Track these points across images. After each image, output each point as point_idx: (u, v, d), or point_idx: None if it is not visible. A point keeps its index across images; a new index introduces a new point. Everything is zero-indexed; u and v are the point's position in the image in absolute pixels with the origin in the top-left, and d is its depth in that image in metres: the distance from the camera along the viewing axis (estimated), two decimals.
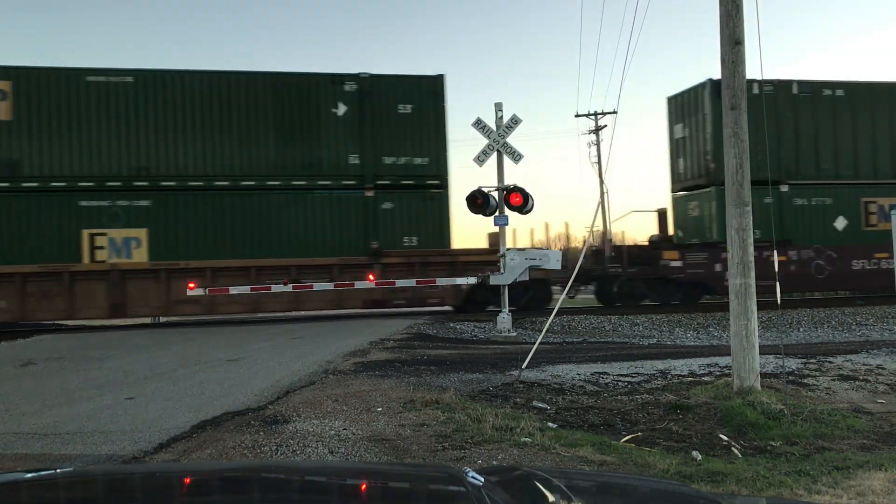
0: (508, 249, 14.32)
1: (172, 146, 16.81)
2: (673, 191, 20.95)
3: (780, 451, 5.58)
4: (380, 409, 6.35)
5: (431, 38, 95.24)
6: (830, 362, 9.20)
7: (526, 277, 14.51)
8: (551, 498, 1.80)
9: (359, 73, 17.62)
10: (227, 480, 2.06)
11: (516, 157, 14.50)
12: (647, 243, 20.35)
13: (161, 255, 16.53)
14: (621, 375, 8.39)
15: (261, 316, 18.37)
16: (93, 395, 7.75)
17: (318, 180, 17.31)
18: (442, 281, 16.02)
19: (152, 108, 16.78)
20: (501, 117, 14.45)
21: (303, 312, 17.97)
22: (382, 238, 17.30)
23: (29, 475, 1.98)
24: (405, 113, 17.67)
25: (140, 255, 16.55)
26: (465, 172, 45.79)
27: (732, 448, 5.64)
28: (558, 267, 14.27)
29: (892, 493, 4.31)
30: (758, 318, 7.19)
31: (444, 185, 17.87)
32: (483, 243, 18.81)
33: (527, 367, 8.33)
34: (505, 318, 14.27)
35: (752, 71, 7.35)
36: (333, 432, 5.53)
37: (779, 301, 7.76)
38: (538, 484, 1.91)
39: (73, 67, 16.76)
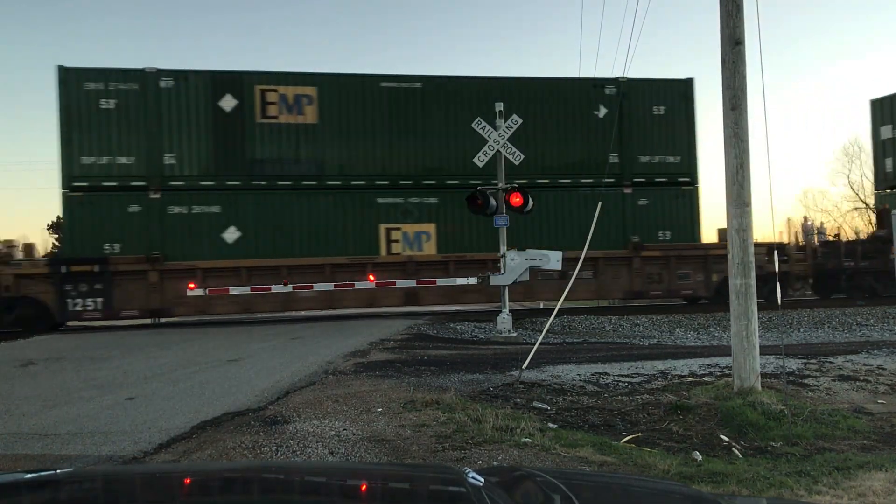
0: (508, 250, 14.34)
1: (454, 147, 17.58)
2: (877, 188, 22.58)
3: (780, 451, 5.58)
4: (380, 410, 6.34)
5: (431, 37, 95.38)
6: (831, 363, 9.19)
7: (526, 278, 14.52)
8: (551, 498, 1.80)
9: (618, 78, 18.36)
10: (227, 481, 2.05)
11: (516, 157, 14.54)
12: (866, 238, 21.44)
13: (447, 248, 17.48)
14: (622, 376, 8.39)
15: (261, 316, 18.50)
16: (93, 396, 7.75)
17: (581, 178, 18.22)
18: (442, 282, 16.22)
19: (437, 110, 17.70)
20: (503, 117, 14.51)
21: (301, 312, 18.14)
22: (638, 233, 18.22)
23: (29, 475, 1.98)
24: (658, 114, 18.78)
25: (429, 248, 17.52)
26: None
27: (733, 448, 5.64)
28: (558, 267, 14.28)
29: (893, 493, 4.31)
30: (758, 318, 7.19)
31: (693, 183, 18.77)
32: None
33: (527, 368, 8.34)
34: (505, 319, 14.27)
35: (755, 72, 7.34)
36: (333, 433, 5.53)
37: (779, 301, 7.77)
38: (538, 484, 1.91)
39: (369, 74, 17.90)
